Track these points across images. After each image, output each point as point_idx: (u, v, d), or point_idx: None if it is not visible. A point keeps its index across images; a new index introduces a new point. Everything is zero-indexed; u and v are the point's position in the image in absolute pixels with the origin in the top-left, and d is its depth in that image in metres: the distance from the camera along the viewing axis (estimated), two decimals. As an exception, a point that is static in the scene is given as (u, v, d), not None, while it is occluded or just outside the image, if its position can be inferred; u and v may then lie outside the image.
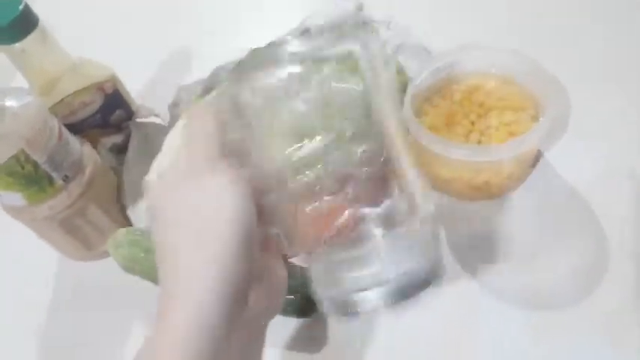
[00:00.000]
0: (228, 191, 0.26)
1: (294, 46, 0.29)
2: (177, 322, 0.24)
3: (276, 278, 0.31)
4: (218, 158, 0.27)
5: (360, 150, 0.27)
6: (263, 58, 0.29)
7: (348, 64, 0.29)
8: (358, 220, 0.28)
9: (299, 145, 0.28)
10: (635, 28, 0.62)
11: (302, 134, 0.28)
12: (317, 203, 0.28)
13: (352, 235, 0.28)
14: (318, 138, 0.27)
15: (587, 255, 0.47)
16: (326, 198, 0.27)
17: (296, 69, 0.28)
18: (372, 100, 0.28)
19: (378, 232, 0.28)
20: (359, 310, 0.28)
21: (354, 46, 0.29)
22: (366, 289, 0.27)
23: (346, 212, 0.27)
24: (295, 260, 0.33)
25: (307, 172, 0.27)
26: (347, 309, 0.28)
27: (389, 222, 0.28)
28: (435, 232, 0.31)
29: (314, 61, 0.29)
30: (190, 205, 0.27)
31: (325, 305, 0.30)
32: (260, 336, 0.32)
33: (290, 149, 0.28)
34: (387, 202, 0.28)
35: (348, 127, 0.28)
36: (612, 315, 0.44)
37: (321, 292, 0.29)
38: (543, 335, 0.44)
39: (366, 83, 0.28)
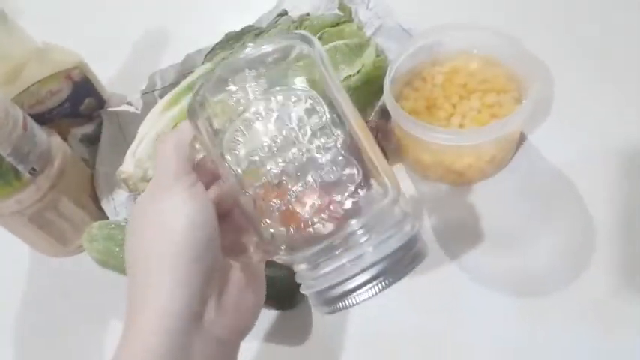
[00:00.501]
0: (186, 205, 0.28)
1: (251, 52, 0.29)
2: (137, 330, 0.27)
3: (250, 294, 0.32)
4: (183, 175, 0.29)
5: (321, 141, 0.27)
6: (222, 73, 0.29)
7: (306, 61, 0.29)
8: (329, 206, 0.27)
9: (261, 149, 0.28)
10: (621, 8, 0.61)
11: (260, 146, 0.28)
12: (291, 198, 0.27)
13: (327, 224, 0.27)
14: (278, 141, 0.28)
15: (573, 237, 0.47)
16: (295, 189, 0.27)
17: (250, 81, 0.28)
18: (329, 90, 0.29)
19: (352, 219, 0.27)
20: (349, 302, 0.27)
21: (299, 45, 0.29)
22: (350, 278, 0.27)
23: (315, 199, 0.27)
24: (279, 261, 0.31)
25: (272, 169, 0.28)
26: (336, 303, 0.27)
27: (361, 208, 0.27)
28: (407, 211, 0.30)
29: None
30: (150, 218, 0.29)
31: (314, 303, 0.29)
32: (231, 354, 0.32)
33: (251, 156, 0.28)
34: (357, 189, 0.28)
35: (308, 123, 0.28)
36: (601, 298, 0.43)
37: (309, 289, 0.29)
38: (531, 321, 0.43)
39: (322, 75, 0.29)
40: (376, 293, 0.26)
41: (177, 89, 0.54)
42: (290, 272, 0.47)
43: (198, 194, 0.29)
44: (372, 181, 0.28)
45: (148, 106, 0.55)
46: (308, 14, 0.60)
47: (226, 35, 0.58)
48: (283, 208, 0.27)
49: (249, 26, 0.59)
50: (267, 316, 0.47)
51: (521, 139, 0.53)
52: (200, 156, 0.32)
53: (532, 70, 0.48)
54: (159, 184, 0.30)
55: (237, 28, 0.58)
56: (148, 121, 0.52)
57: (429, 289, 0.46)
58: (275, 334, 0.47)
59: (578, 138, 0.52)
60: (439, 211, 0.50)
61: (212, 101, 0.29)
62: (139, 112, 0.57)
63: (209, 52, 0.58)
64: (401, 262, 0.27)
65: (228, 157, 0.29)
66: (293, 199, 0.27)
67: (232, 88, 0.28)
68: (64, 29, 0.61)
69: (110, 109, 0.58)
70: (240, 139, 0.28)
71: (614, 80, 0.56)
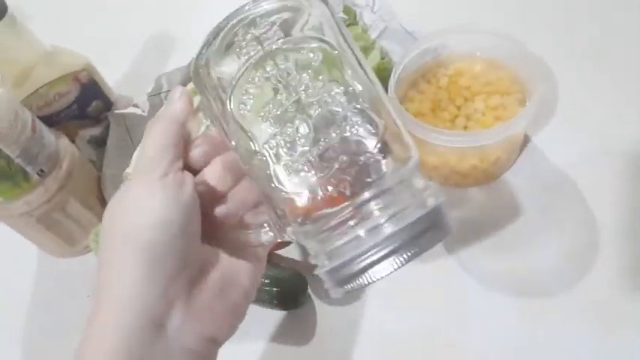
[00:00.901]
0: (154, 197, 0.26)
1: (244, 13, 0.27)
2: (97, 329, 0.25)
3: (229, 299, 0.28)
4: (157, 162, 0.27)
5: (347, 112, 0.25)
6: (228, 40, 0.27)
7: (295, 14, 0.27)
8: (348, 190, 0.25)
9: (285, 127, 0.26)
10: (622, 8, 0.61)
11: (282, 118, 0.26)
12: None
13: (352, 187, 0.25)
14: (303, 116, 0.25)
15: (577, 239, 0.47)
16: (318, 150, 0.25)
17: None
18: (338, 47, 0.26)
19: (355, 187, 0.25)
20: (364, 280, 0.24)
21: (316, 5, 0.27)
22: (367, 252, 0.24)
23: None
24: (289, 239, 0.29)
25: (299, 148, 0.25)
26: (351, 281, 0.24)
27: (384, 171, 0.25)
28: (429, 181, 0.27)
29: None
30: (121, 206, 0.27)
31: (329, 285, 0.26)
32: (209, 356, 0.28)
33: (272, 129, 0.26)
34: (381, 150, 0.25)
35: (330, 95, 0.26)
36: (602, 298, 0.44)
37: (323, 268, 0.26)
38: (533, 322, 0.44)
39: (337, 31, 0.27)
40: (395, 269, 0.24)
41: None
42: (294, 272, 0.47)
43: (170, 185, 0.26)
44: (393, 145, 0.26)
45: (154, 109, 0.56)
46: (313, 18, 0.61)
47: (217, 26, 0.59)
48: (301, 167, 0.25)
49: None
50: (272, 316, 0.48)
51: (526, 140, 0.53)
52: (203, 127, 0.30)
53: (535, 72, 0.48)
54: (135, 170, 0.28)
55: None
56: (155, 123, 0.53)
57: (433, 289, 0.46)
58: (279, 335, 0.47)
59: (583, 139, 0.52)
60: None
61: (219, 61, 0.26)
62: (145, 114, 0.58)
63: (204, 43, 0.59)
64: (422, 235, 0.24)
65: (241, 122, 0.26)
66: (311, 158, 0.25)
67: (242, 44, 0.26)
68: (71, 32, 0.62)
69: (117, 111, 0.59)
70: (249, 94, 0.26)
71: (618, 81, 0.56)
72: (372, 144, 0.25)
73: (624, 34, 0.59)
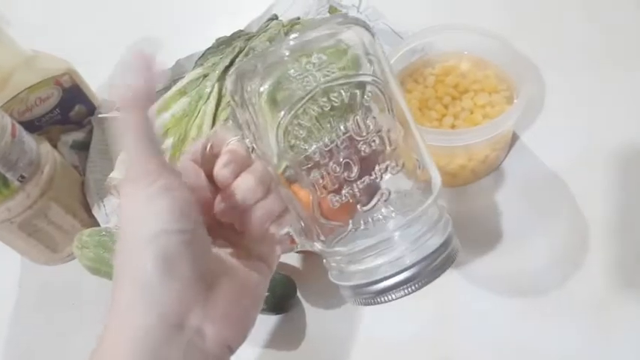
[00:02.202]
0: (148, 207, 0.25)
1: (293, 40, 0.27)
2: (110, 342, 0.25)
3: (243, 305, 0.29)
4: (145, 171, 0.26)
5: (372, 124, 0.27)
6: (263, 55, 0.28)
7: (335, 50, 0.28)
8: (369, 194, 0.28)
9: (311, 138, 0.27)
10: (610, 6, 0.61)
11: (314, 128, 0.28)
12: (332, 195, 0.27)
13: (367, 222, 0.28)
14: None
15: (567, 237, 0.47)
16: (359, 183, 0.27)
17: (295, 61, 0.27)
18: (383, 82, 0.28)
19: (391, 217, 0.27)
20: (380, 300, 0.27)
21: (357, 33, 0.28)
22: (388, 278, 0.27)
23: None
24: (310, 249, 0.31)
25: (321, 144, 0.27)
26: (371, 300, 0.28)
27: (403, 205, 0.28)
28: (443, 208, 0.30)
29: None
30: (124, 217, 0.26)
31: (346, 295, 0.29)
32: None
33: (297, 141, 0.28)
34: (400, 184, 0.28)
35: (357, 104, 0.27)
36: (596, 297, 0.43)
37: (340, 284, 0.29)
38: (524, 321, 0.43)
39: (380, 64, 0.29)
40: (408, 294, 0.27)
41: (167, 95, 0.53)
42: (283, 276, 0.47)
43: (158, 194, 0.25)
44: (422, 176, 0.29)
45: (138, 112, 0.55)
46: (299, 18, 0.60)
47: (217, 40, 0.58)
48: (344, 200, 0.27)
49: (240, 31, 0.59)
50: (261, 320, 0.47)
51: (514, 138, 0.53)
52: (234, 138, 0.30)
53: (523, 69, 0.48)
54: (126, 177, 0.26)
55: (228, 34, 0.58)
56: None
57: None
58: (268, 339, 0.46)
59: (571, 136, 0.52)
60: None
61: (263, 83, 0.27)
62: (129, 118, 0.57)
63: (200, 58, 0.58)
64: (436, 264, 0.28)
65: (282, 143, 0.27)
66: (357, 192, 0.27)
67: (294, 72, 0.27)
68: (53, 37, 0.61)
69: (100, 115, 0.58)
70: (301, 127, 0.27)
71: (606, 79, 0.56)
72: (408, 179, 0.28)
73: (614, 32, 0.59)
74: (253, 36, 0.58)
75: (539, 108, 0.55)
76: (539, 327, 0.43)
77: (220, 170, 0.29)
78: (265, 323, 0.47)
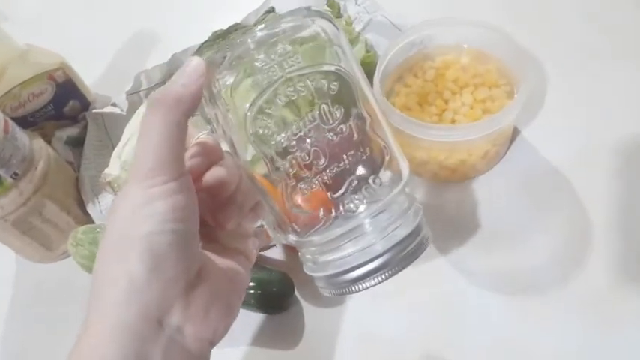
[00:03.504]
0: (145, 208, 0.25)
1: (260, 31, 0.28)
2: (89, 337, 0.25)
3: (223, 301, 0.28)
4: (159, 170, 0.26)
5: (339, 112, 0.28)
6: (229, 48, 0.28)
7: (317, 42, 0.29)
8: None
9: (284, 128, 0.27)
10: (611, 3, 0.60)
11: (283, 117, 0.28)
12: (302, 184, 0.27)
13: (338, 210, 0.28)
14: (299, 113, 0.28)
15: (568, 233, 0.46)
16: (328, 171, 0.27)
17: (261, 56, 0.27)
18: (349, 72, 0.29)
19: (361, 206, 0.28)
20: (357, 288, 0.28)
21: (321, 25, 0.29)
22: (359, 266, 0.27)
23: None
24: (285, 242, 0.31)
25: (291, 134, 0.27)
26: (344, 289, 0.28)
27: (373, 193, 0.28)
28: (413, 197, 0.30)
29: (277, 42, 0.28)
30: (115, 214, 0.26)
31: (321, 286, 0.29)
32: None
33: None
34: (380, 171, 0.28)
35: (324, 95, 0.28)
36: (597, 295, 0.43)
37: (315, 275, 0.29)
38: (525, 319, 0.43)
39: (345, 55, 0.29)
40: (381, 282, 0.27)
41: (163, 89, 0.52)
42: (280, 274, 0.46)
43: (172, 192, 0.25)
44: (390, 165, 0.29)
45: (133, 107, 0.54)
46: (296, 11, 0.59)
47: (213, 34, 0.57)
48: (314, 188, 0.27)
49: (237, 24, 0.58)
50: (258, 319, 0.46)
51: (515, 133, 0.52)
52: (203, 132, 0.30)
53: (523, 63, 0.47)
54: (134, 173, 0.26)
55: (225, 27, 0.57)
56: (134, 122, 0.51)
57: (421, 287, 0.45)
58: (266, 338, 0.46)
59: (573, 132, 0.51)
60: (432, 209, 0.49)
61: (228, 76, 0.27)
62: (124, 113, 0.56)
63: (196, 52, 0.57)
64: (407, 251, 0.28)
65: (251, 133, 0.27)
66: (327, 180, 0.27)
67: (260, 63, 0.27)
68: (47, 31, 0.60)
69: (95, 110, 0.57)
70: (269, 116, 0.27)
71: (607, 73, 0.55)
72: (378, 166, 0.28)
73: (616, 26, 0.58)
74: (250, 29, 0.57)
75: (541, 103, 0.54)
76: (540, 324, 0.42)
77: (188, 162, 0.28)
78: (262, 322, 0.46)
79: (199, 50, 0.57)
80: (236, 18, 0.60)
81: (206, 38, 0.57)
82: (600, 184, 0.48)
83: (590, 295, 0.43)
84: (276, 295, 0.45)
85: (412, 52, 0.52)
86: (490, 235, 0.47)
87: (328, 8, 0.59)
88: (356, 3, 0.59)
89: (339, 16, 0.58)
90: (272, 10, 0.61)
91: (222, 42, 0.57)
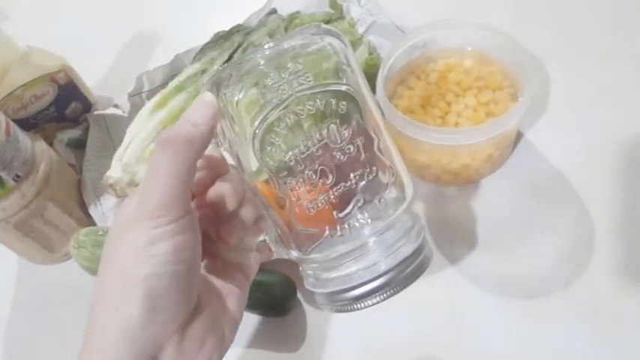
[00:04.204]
0: (149, 249, 0.25)
1: (269, 49, 0.28)
2: None
3: (217, 335, 0.28)
4: (167, 210, 0.25)
5: (345, 132, 0.28)
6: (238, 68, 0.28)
7: (327, 60, 0.29)
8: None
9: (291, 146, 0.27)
10: (616, 4, 0.60)
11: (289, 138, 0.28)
12: (308, 202, 0.27)
13: (342, 228, 0.28)
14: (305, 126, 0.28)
15: (572, 236, 0.46)
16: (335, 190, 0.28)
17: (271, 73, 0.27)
18: (358, 92, 0.29)
19: (366, 224, 0.28)
20: (355, 307, 0.28)
21: (330, 43, 0.29)
22: (362, 285, 0.27)
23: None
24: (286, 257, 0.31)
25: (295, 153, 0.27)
26: (346, 306, 0.28)
27: (378, 212, 0.28)
28: (417, 215, 0.31)
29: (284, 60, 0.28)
30: (116, 251, 0.26)
31: (321, 303, 0.30)
32: None
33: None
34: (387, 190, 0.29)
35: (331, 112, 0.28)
36: (599, 298, 0.42)
37: (316, 291, 0.29)
38: (528, 321, 0.42)
39: (354, 74, 0.29)
40: (383, 300, 0.27)
41: (165, 91, 0.52)
42: (283, 277, 0.46)
43: (177, 233, 0.25)
44: (395, 185, 0.29)
45: (135, 109, 0.54)
46: (298, 12, 0.59)
47: (215, 35, 0.57)
48: (320, 206, 0.27)
49: (239, 25, 0.58)
50: (260, 323, 0.46)
51: (518, 136, 0.52)
52: (210, 146, 0.29)
53: (527, 66, 0.47)
54: (141, 210, 0.26)
55: (227, 28, 0.57)
56: (136, 124, 0.51)
57: (424, 291, 0.45)
58: (268, 342, 0.45)
59: (576, 134, 0.51)
60: (435, 212, 0.49)
61: (236, 92, 0.27)
62: (126, 115, 0.56)
63: (198, 53, 0.57)
64: (409, 270, 0.28)
65: (258, 149, 0.27)
66: (333, 199, 0.27)
67: (270, 80, 0.27)
68: (49, 32, 0.60)
69: (97, 112, 0.57)
70: (277, 134, 0.27)
71: (611, 75, 0.55)
72: (384, 186, 0.29)
73: (618, 27, 0.58)
74: (252, 30, 0.57)
75: (544, 105, 0.54)
76: (543, 327, 0.42)
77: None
78: (265, 325, 0.46)
79: (201, 51, 0.57)
80: (238, 19, 0.60)
81: (208, 39, 0.57)
82: (604, 186, 0.48)
83: (595, 297, 0.43)
84: (279, 298, 0.45)
85: (415, 54, 0.52)
86: (493, 238, 0.47)
87: (330, 10, 0.59)
88: (359, 5, 0.59)
89: (341, 17, 0.58)
90: (274, 11, 0.61)
91: (230, 61, 0.57)
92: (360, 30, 0.57)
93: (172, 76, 0.57)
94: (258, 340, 0.46)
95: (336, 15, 0.58)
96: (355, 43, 0.53)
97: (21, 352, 0.50)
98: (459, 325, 0.43)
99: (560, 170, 0.49)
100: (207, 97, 0.27)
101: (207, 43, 0.57)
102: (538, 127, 0.52)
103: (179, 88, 0.52)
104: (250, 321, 0.46)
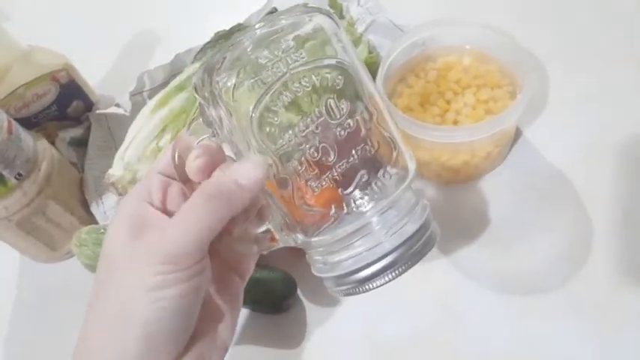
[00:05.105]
0: (142, 289, 0.25)
1: (259, 29, 0.27)
2: None
3: (216, 352, 0.28)
4: (183, 259, 0.25)
5: (344, 107, 0.27)
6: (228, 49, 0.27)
7: (318, 38, 0.28)
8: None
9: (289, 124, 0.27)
10: (615, 2, 0.60)
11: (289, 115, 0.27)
12: (312, 182, 0.27)
13: (349, 206, 0.28)
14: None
15: (570, 234, 0.46)
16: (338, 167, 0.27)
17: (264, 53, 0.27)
18: (352, 66, 0.28)
19: (367, 205, 0.28)
20: (364, 288, 0.27)
21: (322, 20, 0.29)
22: (369, 265, 0.27)
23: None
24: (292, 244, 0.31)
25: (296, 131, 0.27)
26: (354, 288, 0.28)
27: (381, 190, 0.28)
28: (419, 194, 0.31)
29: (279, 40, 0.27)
30: (112, 288, 0.26)
31: (329, 287, 0.29)
32: None
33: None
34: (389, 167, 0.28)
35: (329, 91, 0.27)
36: (598, 297, 0.43)
37: (324, 276, 0.29)
38: (526, 320, 0.43)
39: (346, 50, 0.29)
40: (391, 280, 0.27)
41: (166, 90, 0.53)
42: (283, 274, 0.46)
43: (169, 281, 0.25)
44: (397, 161, 0.29)
45: (136, 108, 0.54)
46: (298, 11, 0.59)
47: (216, 34, 0.57)
48: (324, 185, 0.27)
49: (239, 25, 0.58)
50: (260, 320, 0.46)
51: (517, 134, 0.52)
52: (205, 136, 0.29)
53: (525, 64, 0.47)
54: (150, 243, 0.26)
55: (227, 28, 0.57)
56: (137, 123, 0.51)
57: (423, 288, 0.45)
58: (267, 339, 0.46)
59: (575, 132, 0.51)
60: (435, 210, 0.49)
61: (229, 76, 0.27)
62: (127, 113, 0.56)
63: (199, 52, 0.57)
64: (415, 248, 0.28)
65: (257, 132, 0.27)
66: (337, 176, 0.27)
67: (263, 60, 0.26)
68: (50, 31, 0.60)
69: (98, 111, 0.57)
70: (275, 114, 0.27)
71: (611, 74, 0.55)
72: (386, 161, 0.28)
73: (617, 26, 0.58)
74: (250, 28, 0.57)
75: (543, 103, 0.54)
76: (542, 325, 0.42)
77: (192, 163, 0.28)
78: (264, 322, 0.46)
79: (202, 51, 0.57)
80: (238, 19, 0.60)
81: (209, 39, 0.57)
82: (603, 185, 0.48)
83: (593, 295, 0.43)
84: (279, 296, 0.45)
85: (414, 53, 0.52)
86: (493, 236, 0.47)
87: (330, 9, 0.59)
88: (358, 4, 0.60)
89: (341, 17, 0.58)
90: (274, 10, 0.61)
91: (223, 42, 0.57)
92: (360, 29, 0.58)
93: (173, 76, 0.57)
94: (258, 337, 0.46)
95: (335, 14, 0.58)
96: (355, 42, 0.53)
97: (23, 350, 0.50)
98: (457, 321, 0.44)
99: (559, 168, 0.50)
100: (258, 159, 0.27)
101: (208, 43, 0.57)
102: (537, 125, 0.53)
103: (180, 88, 0.52)
104: (250, 318, 0.46)
